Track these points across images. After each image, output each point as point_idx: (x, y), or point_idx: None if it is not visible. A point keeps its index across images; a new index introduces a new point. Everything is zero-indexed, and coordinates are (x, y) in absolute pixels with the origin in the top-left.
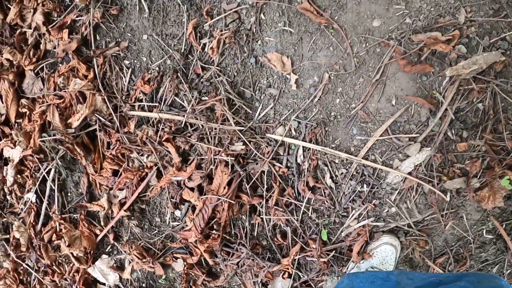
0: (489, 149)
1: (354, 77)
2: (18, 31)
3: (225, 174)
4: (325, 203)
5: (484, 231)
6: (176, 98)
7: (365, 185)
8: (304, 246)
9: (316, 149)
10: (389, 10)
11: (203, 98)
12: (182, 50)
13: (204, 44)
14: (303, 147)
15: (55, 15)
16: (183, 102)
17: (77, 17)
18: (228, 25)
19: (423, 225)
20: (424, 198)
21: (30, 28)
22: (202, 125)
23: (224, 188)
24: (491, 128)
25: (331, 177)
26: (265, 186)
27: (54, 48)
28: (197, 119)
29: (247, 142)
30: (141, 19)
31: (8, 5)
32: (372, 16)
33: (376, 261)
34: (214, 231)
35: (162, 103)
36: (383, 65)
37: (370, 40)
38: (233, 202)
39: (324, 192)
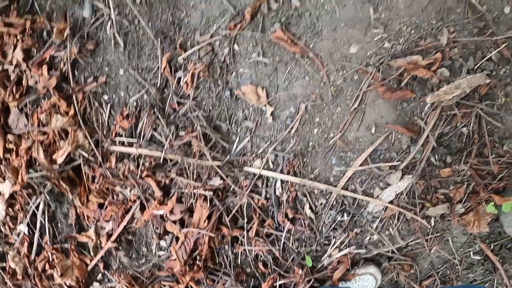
0: (474, 173)
1: (331, 106)
2: (0, 67)
3: (205, 208)
4: (305, 233)
5: (471, 252)
6: (154, 132)
7: (345, 215)
8: (283, 274)
9: (294, 181)
10: (367, 34)
11: (180, 133)
12: (158, 85)
13: (179, 78)
14: (281, 179)
15: (35, 51)
16: (161, 137)
17: (55, 52)
18: (202, 58)
19: (407, 250)
20: (407, 224)
21: (11, 64)
22: (179, 160)
23: (205, 221)
24: (476, 152)
25: (311, 208)
26: (245, 218)
27: (36, 83)
28: (175, 154)
29: (225, 177)
30: (117, 53)
31: None
32: (349, 42)
33: (355, 286)
34: (198, 262)
35: (141, 138)
36: (361, 93)
37: (347, 67)
38: (213, 235)
39: (304, 222)
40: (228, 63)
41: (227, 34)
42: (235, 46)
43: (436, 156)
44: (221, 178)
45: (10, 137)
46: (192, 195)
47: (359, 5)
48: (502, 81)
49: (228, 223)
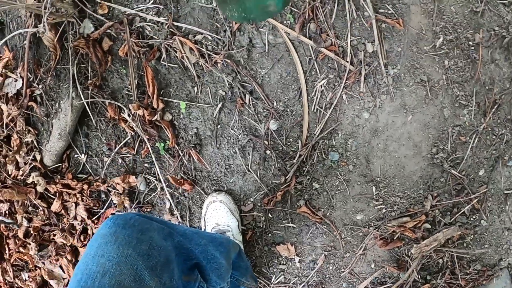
0: (447, 287)
1: (343, 252)
2: (65, 218)
3: None
4: None
5: None
6: None
7: None
8: None
9: None
10: (369, 205)
11: None
12: None
13: None
14: None
15: (96, 209)
16: None
17: (116, 211)
18: (245, 225)
19: None
20: None
21: (76, 219)
22: None
23: None
24: (450, 272)
25: None
26: None
27: None
28: None
29: None
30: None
31: (50, 196)
32: (356, 212)
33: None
34: None
35: None
36: (364, 244)
37: (354, 228)
38: None
39: None
40: (264, 227)
41: (264, 206)
42: (269, 215)
43: (419, 275)
44: None
45: None
46: None
47: (364, 185)
48: (472, 229)
49: None
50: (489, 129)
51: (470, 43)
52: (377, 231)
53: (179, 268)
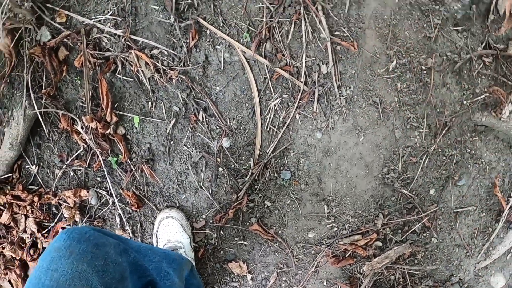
0: None
1: (295, 269)
2: (14, 231)
3: None
4: None
5: None
6: None
7: None
8: None
9: None
10: (321, 223)
11: None
12: None
13: None
14: None
15: (46, 222)
16: None
17: (67, 225)
18: (197, 242)
19: None
20: None
21: (25, 232)
22: None
23: None
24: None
25: None
26: None
27: None
28: None
29: None
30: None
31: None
32: (308, 230)
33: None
34: None
35: None
36: (316, 262)
37: (306, 246)
38: None
39: None
40: (216, 244)
41: (215, 224)
42: (221, 232)
43: None
44: None
45: None
46: None
47: (316, 204)
48: (423, 246)
49: None
50: (440, 150)
51: (423, 67)
52: (329, 249)
53: (134, 285)
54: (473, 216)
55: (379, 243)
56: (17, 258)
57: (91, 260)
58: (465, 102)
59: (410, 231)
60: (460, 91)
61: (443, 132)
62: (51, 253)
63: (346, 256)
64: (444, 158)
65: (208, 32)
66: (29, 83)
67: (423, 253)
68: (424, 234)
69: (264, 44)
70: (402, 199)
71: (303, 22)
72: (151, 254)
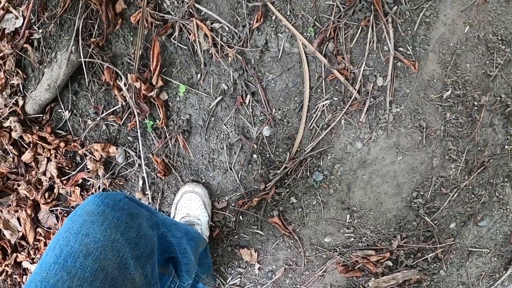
0: None
1: (303, 269)
2: (33, 171)
3: None
4: None
5: None
6: None
7: None
8: None
9: None
10: (340, 231)
11: None
12: None
13: None
14: None
15: (67, 169)
16: None
17: (88, 177)
18: (215, 222)
19: None
20: None
21: (44, 175)
22: None
23: None
24: None
25: None
26: None
27: (67, 194)
28: None
29: None
30: (141, 193)
31: (24, 144)
32: (325, 234)
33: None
34: None
35: None
36: (325, 267)
37: (320, 249)
38: None
39: None
40: (233, 227)
41: (237, 207)
42: (240, 217)
43: None
44: None
45: (40, 230)
46: None
47: (340, 211)
48: (430, 275)
49: None
50: (470, 187)
51: (475, 103)
52: (341, 257)
53: (158, 260)
54: (484, 258)
55: (389, 263)
56: (31, 198)
57: (125, 231)
58: (507, 146)
59: (422, 258)
60: (505, 134)
61: (478, 170)
62: (82, 215)
63: (356, 267)
64: (473, 196)
65: (273, 17)
66: (80, 29)
67: (428, 282)
68: (435, 265)
69: (327, 42)
70: (422, 226)
71: (370, 30)
72: (175, 229)
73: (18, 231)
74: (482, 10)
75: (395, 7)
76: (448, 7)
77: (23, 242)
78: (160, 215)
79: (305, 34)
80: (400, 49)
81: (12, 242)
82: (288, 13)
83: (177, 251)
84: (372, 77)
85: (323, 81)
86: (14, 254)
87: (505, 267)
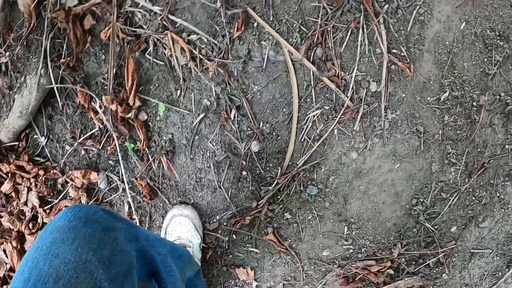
0: None
1: (302, 284)
2: (15, 202)
3: None
4: None
5: None
6: None
7: None
8: None
9: None
10: (338, 243)
11: None
12: None
13: None
14: None
15: (49, 198)
16: None
17: (71, 204)
18: (207, 244)
19: None
20: None
21: (26, 205)
22: None
23: None
24: None
25: None
26: None
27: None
28: None
29: None
30: (129, 217)
31: (2, 175)
32: (323, 248)
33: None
34: None
35: None
36: (325, 280)
37: (318, 263)
38: None
39: None
40: (226, 247)
41: (229, 227)
42: (233, 236)
43: None
44: None
45: None
46: None
47: (337, 224)
48: (432, 280)
49: None
50: (471, 189)
51: (474, 103)
52: (341, 269)
53: (139, 273)
54: (486, 258)
55: (391, 271)
56: (15, 229)
57: (98, 248)
58: (507, 146)
59: (424, 264)
60: (505, 134)
61: (479, 172)
62: (52, 233)
63: (356, 279)
64: (474, 198)
65: (255, 24)
66: (48, 50)
67: (431, 287)
68: (437, 269)
69: (315, 48)
70: (423, 232)
71: (360, 32)
72: (159, 245)
73: (6, 263)
74: (478, 4)
75: (387, 6)
76: (442, 2)
77: (12, 274)
78: (142, 229)
79: (290, 40)
80: (394, 51)
81: (1, 275)
82: (271, 19)
83: (161, 268)
84: (365, 82)
85: (313, 89)
86: (4, 287)
87: (508, 265)
